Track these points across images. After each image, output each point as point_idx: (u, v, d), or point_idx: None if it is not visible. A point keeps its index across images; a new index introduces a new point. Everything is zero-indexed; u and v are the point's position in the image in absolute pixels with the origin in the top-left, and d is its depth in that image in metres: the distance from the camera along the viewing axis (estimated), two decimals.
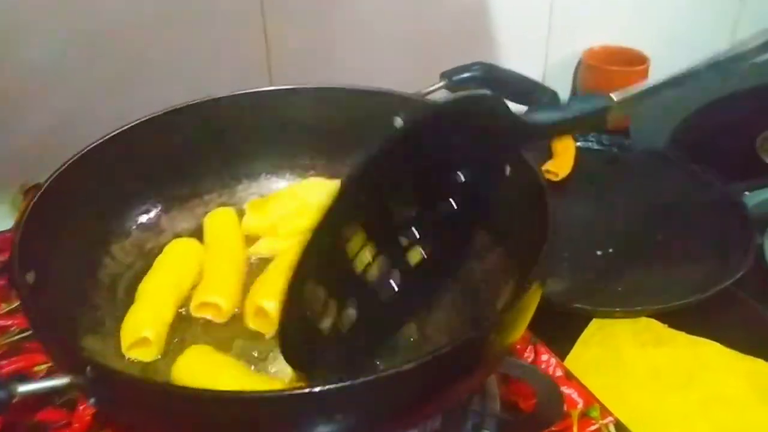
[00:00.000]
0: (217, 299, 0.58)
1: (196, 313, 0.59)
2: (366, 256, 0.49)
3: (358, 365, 0.50)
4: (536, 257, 0.47)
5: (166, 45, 0.84)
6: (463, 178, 0.51)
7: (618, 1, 1.11)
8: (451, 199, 0.51)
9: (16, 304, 0.70)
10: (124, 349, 0.54)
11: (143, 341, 0.55)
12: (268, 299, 0.56)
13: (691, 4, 1.18)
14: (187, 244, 0.64)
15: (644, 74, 1.08)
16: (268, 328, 0.57)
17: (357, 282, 0.49)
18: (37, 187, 0.83)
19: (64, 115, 0.83)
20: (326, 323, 0.48)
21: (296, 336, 0.46)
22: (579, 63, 1.13)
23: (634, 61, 1.08)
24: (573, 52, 1.13)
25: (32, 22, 0.77)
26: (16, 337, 0.66)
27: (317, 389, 0.37)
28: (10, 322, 0.68)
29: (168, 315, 0.58)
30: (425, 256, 0.51)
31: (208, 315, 0.59)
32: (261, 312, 0.57)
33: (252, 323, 0.58)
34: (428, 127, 0.48)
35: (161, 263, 0.61)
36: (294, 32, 0.91)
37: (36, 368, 0.63)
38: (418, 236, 0.51)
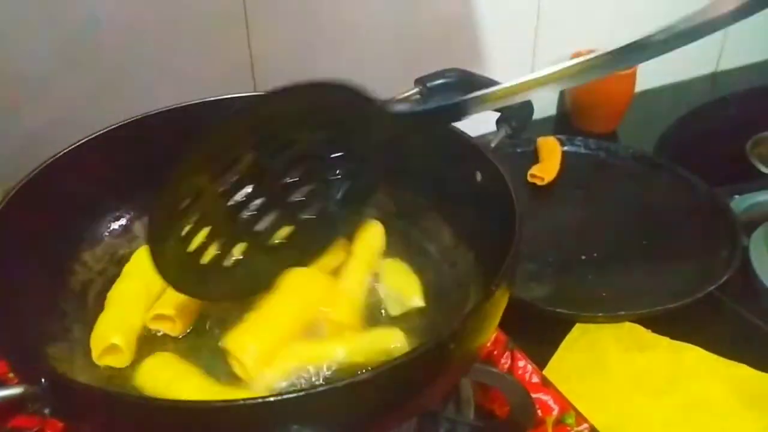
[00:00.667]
0: (173, 313, 0.56)
1: (151, 325, 0.57)
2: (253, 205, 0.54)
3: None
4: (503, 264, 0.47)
5: (150, 52, 0.84)
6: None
7: (605, 6, 1.11)
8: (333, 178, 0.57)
9: None
10: (95, 357, 0.54)
11: (113, 348, 0.54)
12: None
13: (677, 8, 1.18)
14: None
15: (632, 79, 1.08)
16: None
17: (242, 227, 0.54)
18: None
19: (49, 122, 0.83)
20: (208, 258, 0.53)
21: (173, 262, 0.50)
22: None
23: None
24: (560, 57, 1.12)
25: (16, 30, 0.77)
26: None
27: (271, 399, 0.37)
28: None
29: (137, 321, 0.57)
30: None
31: (163, 328, 0.57)
32: None
33: None
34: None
35: (130, 269, 0.61)
36: (277, 37, 0.90)
37: (11, 374, 0.63)
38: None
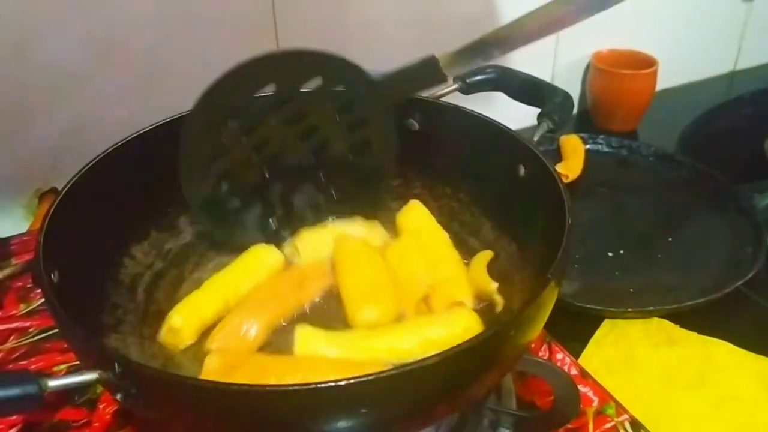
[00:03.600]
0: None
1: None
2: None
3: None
4: (552, 254, 0.47)
5: (178, 51, 0.85)
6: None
7: (626, 5, 1.11)
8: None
9: (35, 305, 0.71)
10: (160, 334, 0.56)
11: (174, 329, 0.56)
12: None
13: (698, 7, 1.19)
14: (265, 253, 0.65)
15: (653, 77, 1.09)
16: None
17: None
18: (52, 191, 0.85)
19: (79, 120, 0.84)
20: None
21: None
22: (587, 66, 1.14)
23: (643, 63, 1.09)
24: (581, 55, 1.14)
25: (47, 29, 0.78)
26: (36, 338, 0.67)
27: (343, 382, 0.37)
28: (28, 323, 0.69)
29: (208, 311, 0.58)
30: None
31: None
32: None
33: None
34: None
35: (235, 263, 0.63)
36: (305, 38, 0.91)
37: (55, 368, 0.64)
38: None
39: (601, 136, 1.04)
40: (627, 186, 0.97)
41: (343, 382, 0.37)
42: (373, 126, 0.64)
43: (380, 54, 0.96)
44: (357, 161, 0.65)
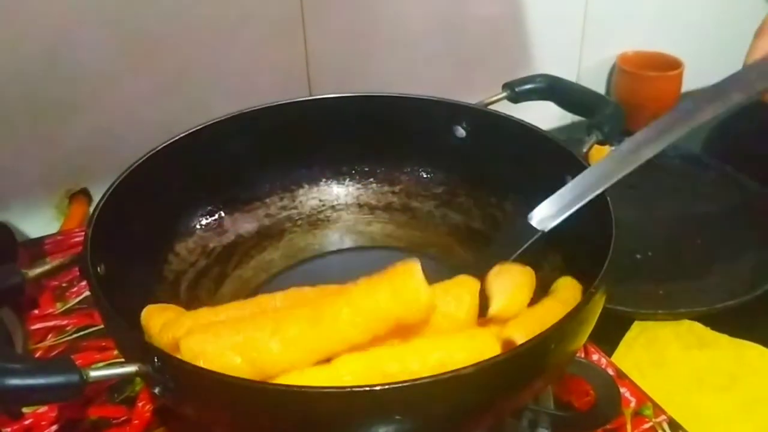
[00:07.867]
0: None
1: None
2: None
3: None
4: (596, 264, 0.48)
5: (209, 55, 0.86)
6: None
7: (651, 6, 1.12)
8: None
9: (71, 303, 0.72)
10: None
11: None
12: None
13: (723, 8, 1.19)
14: None
15: (678, 79, 1.08)
16: None
17: None
18: (83, 192, 0.86)
19: (110, 122, 0.84)
20: None
21: None
22: (613, 68, 1.14)
23: (668, 65, 1.09)
24: (606, 57, 1.14)
25: (81, 33, 0.79)
26: (73, 336, 0.68)
27: (378, 388, 0.37)
28: (65, 322, 0.69)
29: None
30: None
31: None
32: None
33: None
34: None
35: None
36: (333, 42, 0.92)
37: (93, 366, 0.64)
38: None
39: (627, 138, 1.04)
40: (654, 188, 0.97)
41: (378, 388, 0.37)
42: None
43: (405, 53, 0.97)
44: None
